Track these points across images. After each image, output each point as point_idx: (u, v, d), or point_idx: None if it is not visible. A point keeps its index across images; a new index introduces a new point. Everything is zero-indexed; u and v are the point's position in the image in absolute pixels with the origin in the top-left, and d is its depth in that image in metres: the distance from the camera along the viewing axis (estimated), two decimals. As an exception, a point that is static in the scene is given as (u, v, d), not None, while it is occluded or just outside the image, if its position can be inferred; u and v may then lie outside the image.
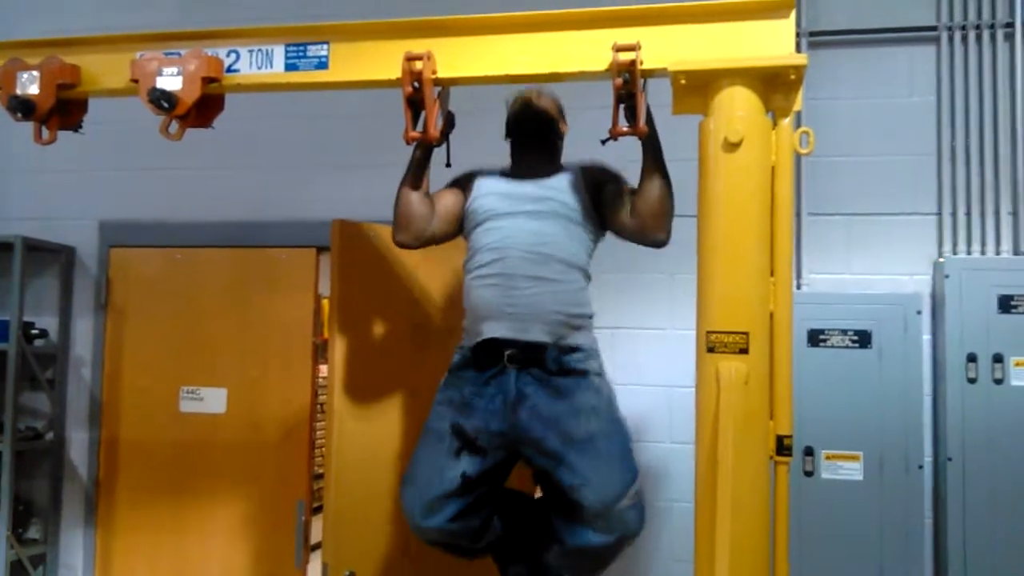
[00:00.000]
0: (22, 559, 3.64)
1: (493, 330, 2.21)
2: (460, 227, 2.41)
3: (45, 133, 2.28)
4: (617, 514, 2.11)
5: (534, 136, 2.39)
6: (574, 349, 2.23)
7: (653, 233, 2.23)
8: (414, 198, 2.33)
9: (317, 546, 2.76)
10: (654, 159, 2.20)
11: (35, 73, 2.20)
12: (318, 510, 2.99)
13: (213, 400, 3.67)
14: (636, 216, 2.22)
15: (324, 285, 3.31)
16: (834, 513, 3.01)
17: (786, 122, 1.99)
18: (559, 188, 2.30)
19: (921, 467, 3.01)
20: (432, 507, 2.20)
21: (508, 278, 2.21)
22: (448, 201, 2.39)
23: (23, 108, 2.21)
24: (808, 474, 3.03)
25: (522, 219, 2.26)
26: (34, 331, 3.77)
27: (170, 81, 2.10)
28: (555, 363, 2.20)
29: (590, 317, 2.30)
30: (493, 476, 2.27)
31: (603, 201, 2.31)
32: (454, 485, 2.20)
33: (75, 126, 2.36)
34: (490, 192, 2.35)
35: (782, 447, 1.96)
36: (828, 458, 3.04)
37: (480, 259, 2.27)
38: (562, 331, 2.21)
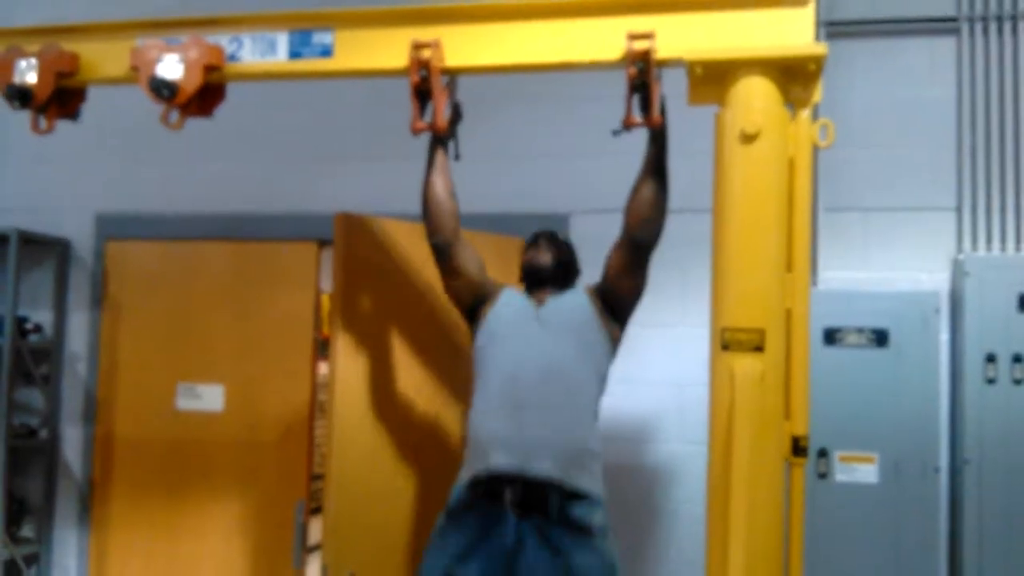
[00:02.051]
0: (15, 558, 3.60)
1: (498, 460, 2.18)
2: (474, 291, 2.42)
3: (43, 122, 2.25)
4: None
5: (550, 279, 2.43)
6: (580, 496, 2.19)
7: (636, 233, 2.23)
8: (441, 196, 2.32)
9: (315, 547, 2.72)
10: (657, 155, 2.19)
11: (33, 61, 2.17)
12: (317, 511, 2.94)
13: (210, 397, 3.62)
14: (625, 214, 2.23)
15: (325, 280, 3.26)
16: (848, 517, 2.95)
17: (805, 114, 1.95)
18: (568, 300, 2.37)
19: (937, 470, 2.96)
20: None
21: (516, 409, 2.20)
22: (478, 261, 2.44)
23: (21, 96, 2.17)
24: (822, 476, 2.98)
25: (534, 341, 2.28)
26: (28, 326, 3.73)
27: (171, 69, 2.06)
28: (557, 513, 2.17)
29: (598, 456, 2.28)
30: None
31: (606, 288, 2.35)
32: None
33: (73, 115, 2.32)
34: (508, 304, 2.39)
35: (798, 448, 1.93)
36: (843, 460, 2.99)
37: (489, 385, 2.28)
38: (569, 468, 2.18)
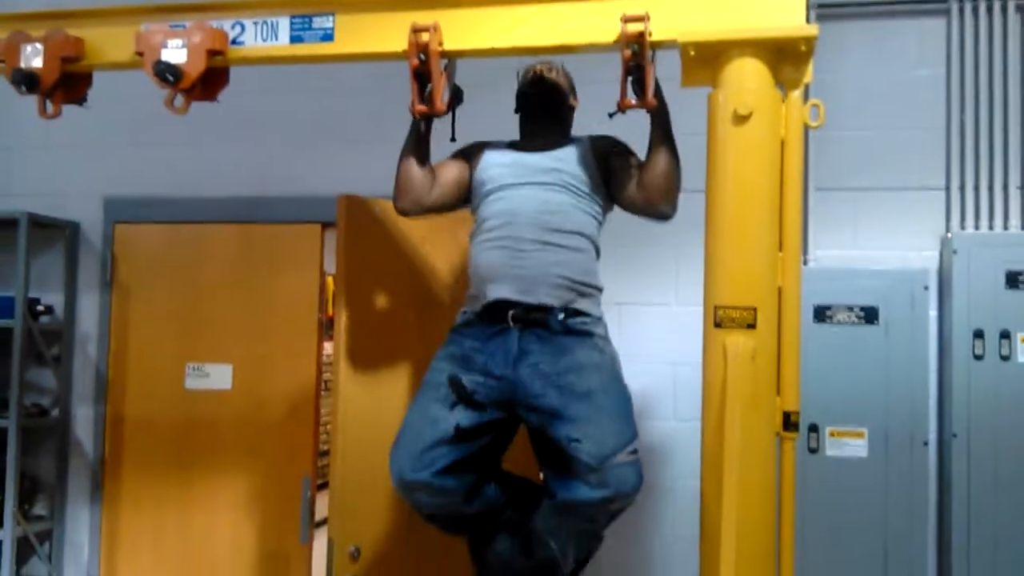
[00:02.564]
0: (28, 535, 3.66)
1: (498, 291, 2.18)
2: (464, 197, 2.38)
3: (50, 107, 2.27)
4: (613, 469, 2.04)
5: (544, 110, 2.37)
6: (579, 313, 2.20)
7: (659, 207, 2.21)
8: (414, 165, 2.30)
9: (322, 522, 2.77)
10: (662, 132, 2.17)
11: (39, 46, 2.19)
12: (323, 486, 3.00)
13: (219, 377, 3.67)
14: (643, 189, 2.20)
15: (329, 262, 3.30)
16: (838, 490, 3.01)
17: (796, 94, 1.97)
18: (568, 160, 2.28)
19: (926, 444, 3.01)
20: (422, 458, 2.14)
21: (516, 241, 2.18)
22: (452, 170, 2.37)
23: (27, 81, 2.20)
24: (813, 451, 3.03)
25: (530, 189, 2.23)
26: (39, 307, 3.77)
27: (175, 54, 2.09)
28: (559, 324, 2.17)
29: (599, 289, 2.27)
30: (490, 434, 2.21)
31: (611, 174, 2.29)
32: (447, 435, 2.14)
33: (80, 100, 2.35)
34: (498, 163, 2.33)
35: (789, 423, 1.96)
36: (833, 435, 3.04)
37: (487, 225, 2.25)
38: (568, 296, 2.18)
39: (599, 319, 2.25)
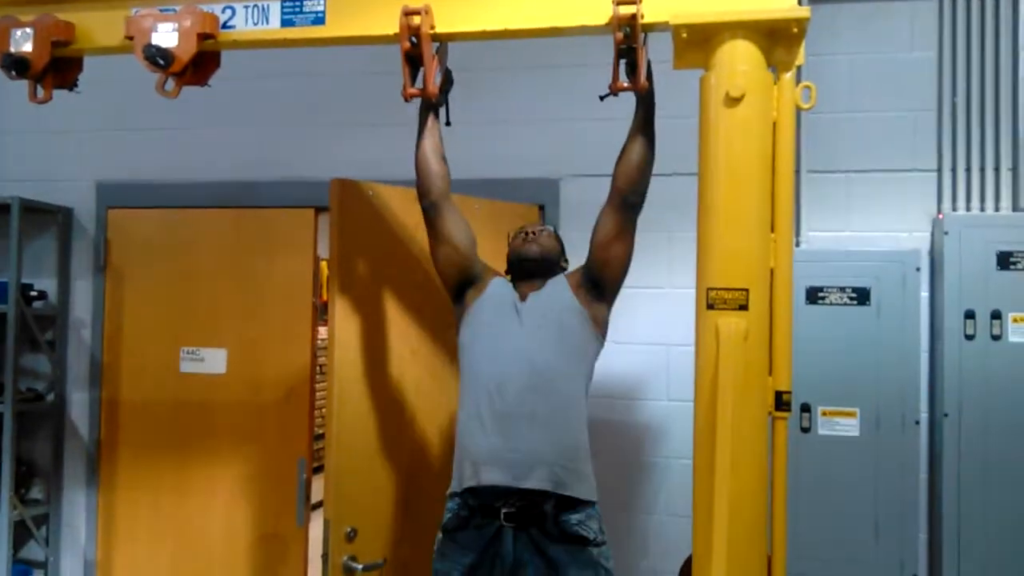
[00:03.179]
0: (25, 519, 3.68)
1: (490, 476, 2.20)
2: (459, 264, 2.43)
3: (40, 92, 2.27)
4: None
5: (535, 275, 2.43)
6: (574, 505, 2.22)
7: (627, 192, 2.26)
8: (427, 158, 2.35)
9: (318, 505, 2.79)
10: (645, 118, 2.22)
11: (28, 31, 2.19)
12: (319, 470, 3.01)
13: (213, 361, 3.68)
14: (615, 177, 2.25)
15: (323, 246, 3.31)
16: (830, 469, 3.04)
17: (788, 76, 1.98)
18: (551, 291, 2.37)
19: (917, 423, 3.04)
20: None
21: (506, 422, 2.21)
22: (469, 235, 2.45)
23: (17, 66, 2.19)
24: (805, 430, 3.06)
25: (518, 335, 2.29)
26: (33, 293, 3.77)
27: (166, 38, 2.09)
28: (554, 525, 2.20)
29: (589, 457, 2.30)
30: None
31: (590, 270, 2.36)
32: None
33: (71, 85, 2.34)
34: (496, 295, 2.39)
35: (781, 402, 1.98)
36: (825, 414, 3.06)
37: (476, 397, 2.28)
38: (562, 477, 2.21)
39: (593, 509, 2.27)
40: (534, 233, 2.45)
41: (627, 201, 2.27)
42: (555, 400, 2.24)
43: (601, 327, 2.38)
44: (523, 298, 2.38)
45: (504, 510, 2.20)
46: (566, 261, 2.53)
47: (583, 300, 2.35)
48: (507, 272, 2.50)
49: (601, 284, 2.36)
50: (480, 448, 2.24)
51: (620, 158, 2.25)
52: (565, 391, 2.27)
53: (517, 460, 2.19)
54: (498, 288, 2.42)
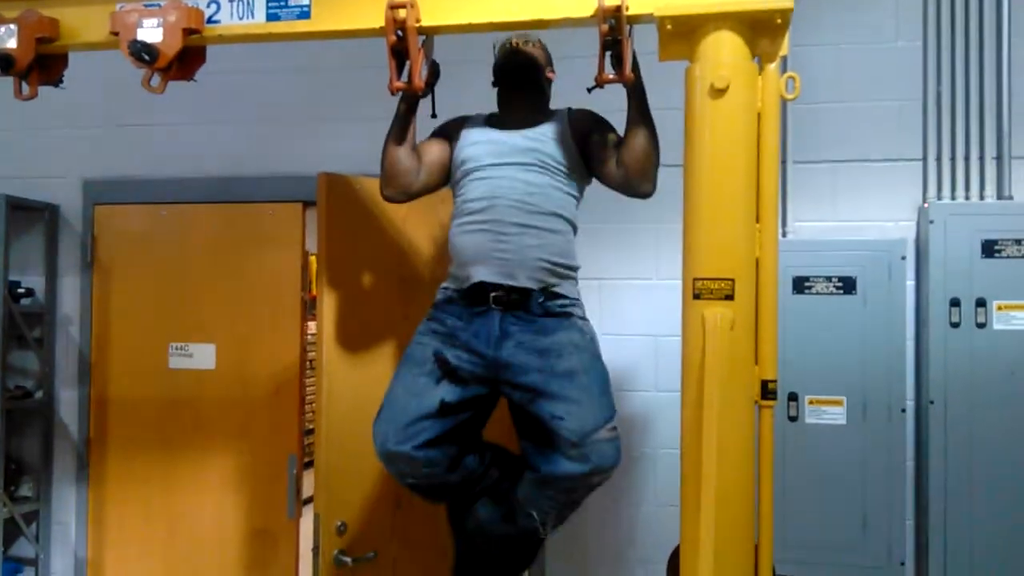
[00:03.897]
0: (15, 517, 3.67)
1: (481, 274, 2.21)
2: (447, 177, 2.40)
3: (26, 89, 2.26)
4: (594, 444, 2.11)
5: (521, 83, 2.38)
6: (559, 296, 2.24)
7: (638, 184, 2.24)
8: (400, 152, 2.33)
9: (310, 500, 2.80)
10: (639, 108, 2.19)
11: (12, 27, 2.18)
12: (310, 465, 3.02)
13: (202, 356, 3.68)
14: (622, 167, 2.22)
15: (311, 240, 3.31)
16: (818, 457, 3.06)
17: (772, 67, 1.99)
18: (546, 139, 2.29)
19: (904, 411, 3.06)
20: (406, 430, 2.19)
21: (497, 224, 2.21)
22: (434, 152, 2.39)
23: (2, 63, 2.18)
24: (792, 419, 3.08)
25: (509, 170, 2.25)
26: (20, 290, 3.76)
27: (151, 33, 2.08)
28: (539, 307, 2.21)
29: (576, 269, 2.31)
30: (472, 409, 2.26)
31: (590, 150, 2.30)
32: (431, 409, 2.19)
33: (56, 81, 2.33)
34: (477, 141, 2.34)
35: (767, 391, 1.99)
36: (812, 403, 3.08)
37: (468, 207, 2.26)
38: (548, 279, 2.22)
39: (577, 300, 2.29)
40: (518, 44, 2.37)
41: (641, 192, 2.25)
42: (545, 217, 2.23)
43: (588, 178, 2.36)
44: (512, 126, 2.33)
45: (493, 294, 2.21)
46: (552, 71, 2.44)
47: (574, 157, 2.30)
48: (494, 84, 2.43)
49: (593, 175, 2.34)
50: (471, 248, 2.23)
51: (625, 152, 2.21)
52: (555, 212, 2.25)
53: (507, 259, 2.19)
54: (476, 134, 2.36)
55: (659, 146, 2.20)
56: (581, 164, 2.31)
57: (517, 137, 2.30)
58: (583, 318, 2.28)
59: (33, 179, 3.85)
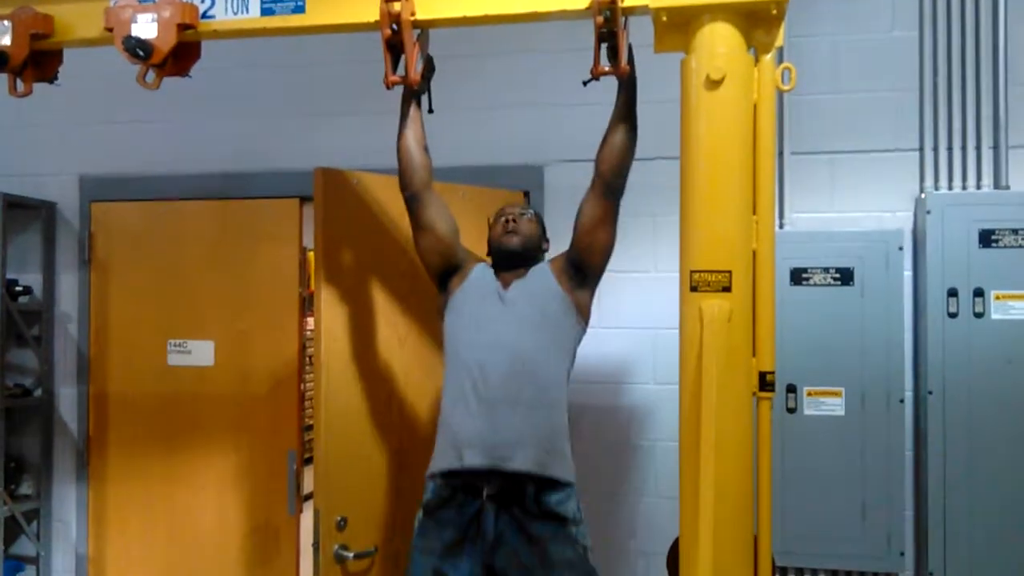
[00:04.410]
0: (15, 515, 3.67)
1: (472, 459, 2.23)
2: (445, 252, 2.45)
3: (20, 85, 2.26)
4: None
5: (519, 263, 2.44)
6: (554, 486, 2.25)
7: (608, 178, 2.26)
8: (409, 144, 2.36)
9: (310, 495, 2.80)
10: (627, 105, 2.22)
11: (6, 23, 2.18)
12: (310, 461, 3.02)
13: (201, 353, 3.68)
14: (597, 162, 2.26)
15: (308, 236, 3.30)
16: (817, 448, 3.06)
17: (768, 58, 1.99)
18: (535, 280, 2.38)
19: (902, 401, 3.06)
20: None
21: (489, 406, 2.24)
22: (451, 224, 2.46)
23: (-5, 59, 2.18)
24: (791, 411, 3.08)
25: (502, 321, 2.31)
26: (18, 288, 3.75)
27: (145, 29, 2.08)
28: (534, 504, 2.23)
29: (568, 440, 2.33)
30: None
31: (575, 251, 2.37)
32: None
33: (51, 78, 2.33)
34: (479, 280, 2.41)
35: (764, 383, 2.00)
36: (810, 394, 3.08)
37: (459, 381, 2.30)
38: (543, 459, 2.23)
39: (572, 488, 2.29)
40: (514, 220, 2.45)
41: (610, 186, 2.28)
42: (537, 385, 2.27)
43: (584, 313, 2.41)
44: (506, 286, 2.40)
45: (486, 490, 2.23)
46: (547, 242, 2.54)
47: (566, 287, 2.37)
48: (489, 254, 2.51)
49: (584, 270, 2.37)
50: (464, 431, 2.26)
51: (603, 144, 2.26)
52: (547, 376, 2.29)
53: (500, 442, 2.22)
54: (480, 275, 2.44)
55: (635, 149, 2.24)
56: (574, 277, 2.37)
57: (510, 293, 2.37)
58: (577, 521, 2.28)
59: (30, 177, 3.85)
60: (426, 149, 2.39)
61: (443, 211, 2.44)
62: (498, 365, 2.26)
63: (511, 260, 2.43)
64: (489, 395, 2.25)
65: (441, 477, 2.32)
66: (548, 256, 2.53)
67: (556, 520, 2.24)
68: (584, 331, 2.43)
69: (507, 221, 2.45)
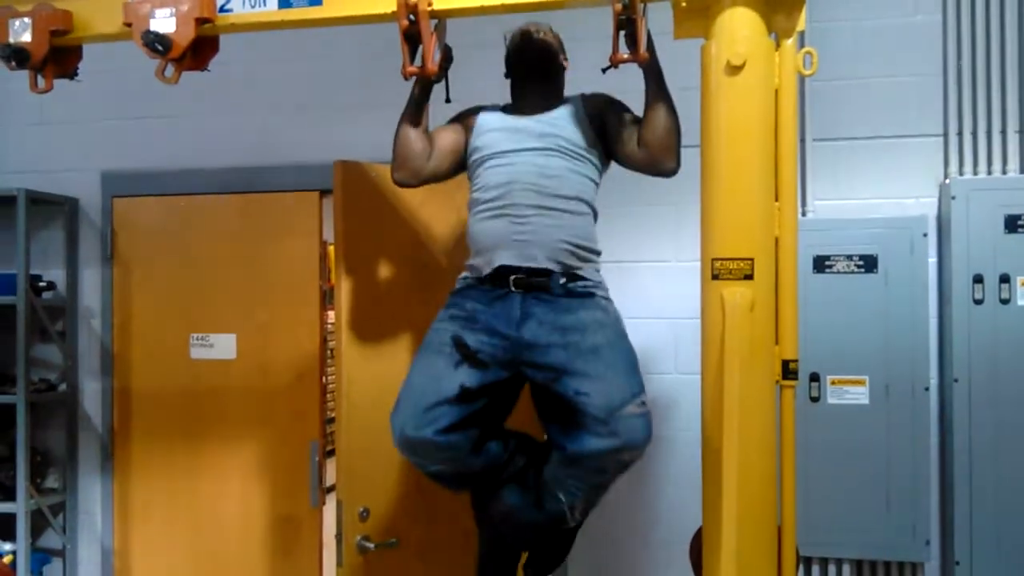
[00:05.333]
0: (42, 508, 3.71)
1: (501, 259, 2.18)
2: (460, 164, 2.38)
3: (41, 82, 2.28)
4: (622, 420, 2.05)
5: (535, 71, 2.34)
6: (580, 278, 2.21)
7: (663, 163, 2.20)
8: (412, 135, 2.31)
9: (332, 487, 2.82)
10: (657, 86, 2.16)
11: (27, 20, 2.20)
12: (332, 453, 3.04)
13: (223, 346, 3.70)
14: (644, 147, 2.19)
15: (328, 229, 3.31)
16: (841, 438, 3.03)
17: (789, 43, 1.97)
18: (562, 123, 2.27)
19: (927, 389, 3.03)
20: (424, 416, 2.15)
21: (515, 208, 2.18)
22: (448, 138, 2.37)
23: (17, 56, 2.21)
24: (814, 400, 3.06)
25: (526, 156, 2.22)
26: (41, 284, 3.78)
27: (164, 23, 2.09)
28: (561, 288, 2.18)
29: (597, 253, 2.28)
30: (493, 395, 2.22)
31: (607, 132, 2.28)
32: (451, 394, 2.15)
33: (71, 74, 2.35)
34: (493, 129, 2.31)
35: (788, 371, 1.99)
36: (834, 383, 3.06)
37: (486, 195, 2.24)
38: (569, 261, 2.19)
39: (599, 283, 2.25)
40: (532, 31, 2.33)
41: (665, 170, 2.21)
42: (563, 197, 2.20)
43: (606, 160, 2.34)
44: (526, 112, 2.31)
45: (514, 278, 2.18)
46: (566, 59, 2.40)
47: (591, 139, 2.28)
48: (507, 74, 2.41)
49: (619, 159, 2.30)
50: (490, 234, 2.21)
51: (645, 132, 2.18)
52: (574, 193, 2.22)
53: (526, 242, 2.17)
54: (491, 119, 2.34)
55: (679, 122, 2.17)
56: (599, 147, 2.28)
57: (532, 123, 2.27)
58: (606, 298, 2.25)
59: (52, 173, 3.88)
60: (425, 135, 2.34)
61: (438, 156, 2.36)
62: (523, 182, 2.19)
63: (528, 69, 2.35)
64: (515, 201, 2.18)
65: (471, 276, 2.28)
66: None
67: (584, 296, 2.20)
68: (607, 168, 2.35)
69: (523, 32, 2.34)
